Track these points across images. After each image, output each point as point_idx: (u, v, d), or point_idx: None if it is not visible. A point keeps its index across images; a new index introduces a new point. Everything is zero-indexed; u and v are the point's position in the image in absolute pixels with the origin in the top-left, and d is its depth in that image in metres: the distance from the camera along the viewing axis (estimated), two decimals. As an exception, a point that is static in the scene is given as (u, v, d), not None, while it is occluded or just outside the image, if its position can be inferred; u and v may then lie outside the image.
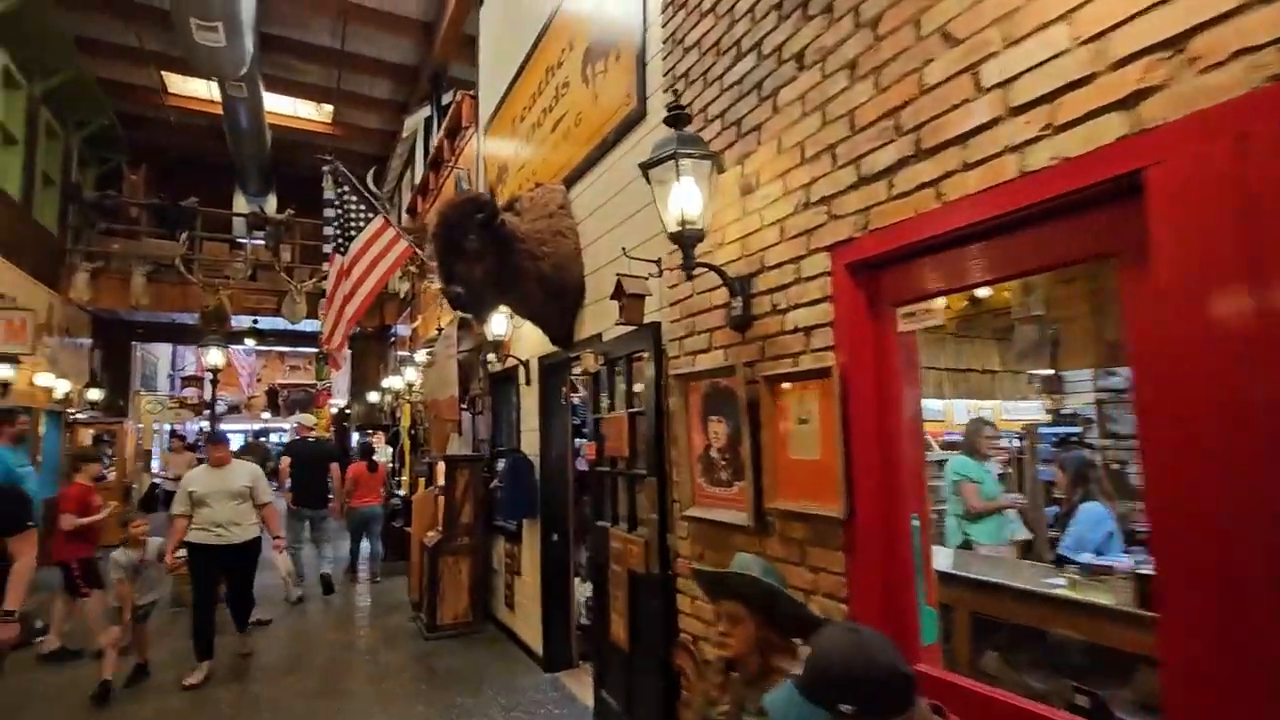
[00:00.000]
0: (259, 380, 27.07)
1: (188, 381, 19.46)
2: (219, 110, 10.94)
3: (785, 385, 2.23)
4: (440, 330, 6.66)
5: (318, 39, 9.97)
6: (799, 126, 2.20)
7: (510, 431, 6.00)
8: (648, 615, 3.05)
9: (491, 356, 5.82)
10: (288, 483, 6.85)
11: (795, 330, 2.20)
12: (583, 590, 4.86)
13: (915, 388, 2.01)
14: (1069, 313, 4.10)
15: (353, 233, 6.04)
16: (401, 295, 10.68)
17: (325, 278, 10.64)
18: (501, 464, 5.32)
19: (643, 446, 3.18)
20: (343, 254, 6.12)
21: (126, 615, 4.28)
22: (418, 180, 10.46)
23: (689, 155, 2.23)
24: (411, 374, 8.60)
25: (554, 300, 4.10)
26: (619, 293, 3.10)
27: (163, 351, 17.34)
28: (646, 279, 3.17)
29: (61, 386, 9.21)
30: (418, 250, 6.25)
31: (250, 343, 13.46)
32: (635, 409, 3.29)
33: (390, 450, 11.84)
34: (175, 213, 10.47)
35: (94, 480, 5.11)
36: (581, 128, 4.17)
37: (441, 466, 5.86)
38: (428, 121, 10.57)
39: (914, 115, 1.78)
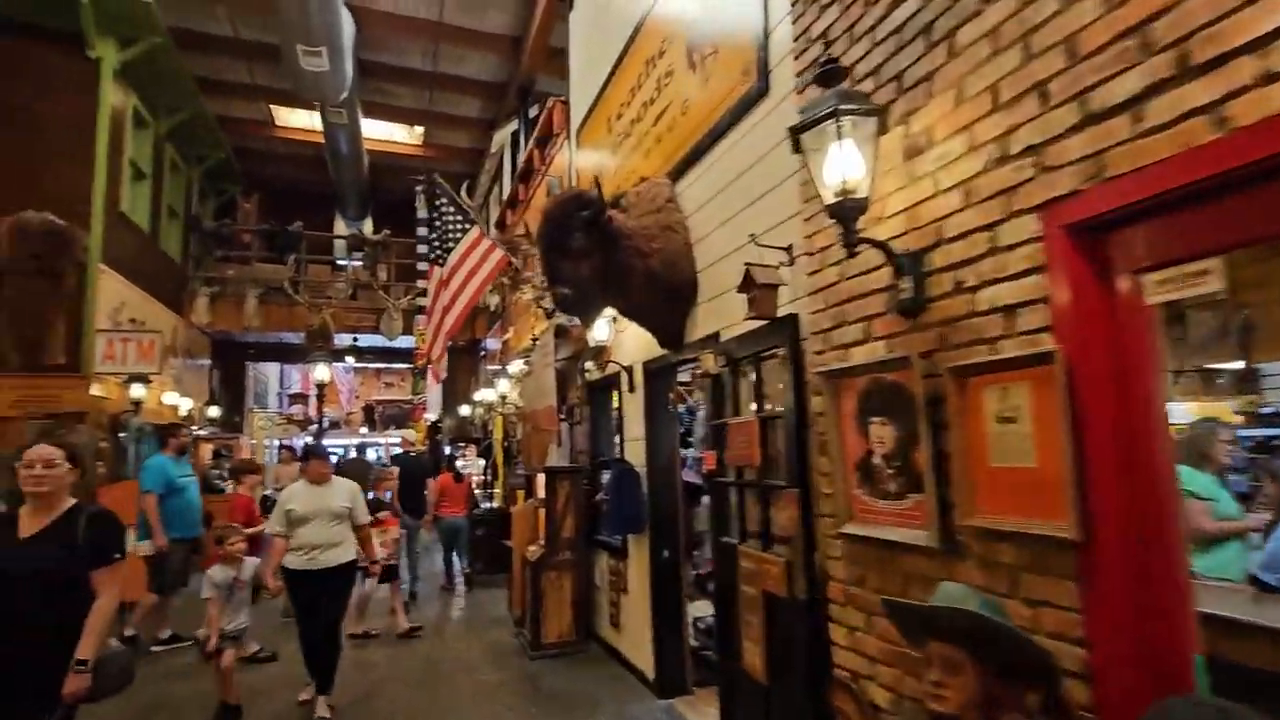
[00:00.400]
0: (357, 397, 28.42)
1: (294, 399, 20.60)
2: (321, 139, 11.48)
3: (980, 378, 1.85)
4: (535, 340, 6.57)
5: (410, 62, 10.28)
6: (988, 68, 1.84)
7: (608, 441, 5.79)
8: (790, 645, 2.70)
9: (590, 365, 5.64)
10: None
11: (991, 311, 1.83)
12: (693, 610, 4.56)
13: (1161, 374, 1.60)
14: (1270, 295, 3.47)
15: (450, 244, 6.05)
16: (492, 309, 10.78)
17: (420, 294, 10.91)
18: (605, 476, 5.10)
19: (778, 454, 2.85)
20: (441, 265, 6.13)
21: (214, 640, 3.90)
22: (506, 194, 10.57)
23: (850, 112, 1.91)
24: (504, 386, 8.60)
25: (664, 299, 3.85)
26: (748, 284, 2.80)
27: (272, 371, 18.40)
28: (778, 268, 2.86)
29: (185, 404, 9.78)
30: (512, 259, 6.19)
31: (350, 360, 14.03)
32: (767, 412, 2.97)
33: (482, 462, 11.96)
34: (283, 237, 11.03)
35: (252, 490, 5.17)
36: (689, 116, 3.92)
37: (541, 479, 5.71)
38: (515, 136, 10.68)
39: (1175, 26, 1.40)
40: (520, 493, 6.37)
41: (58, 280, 7.16)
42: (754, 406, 3.07)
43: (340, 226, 14.07)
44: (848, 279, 2.39)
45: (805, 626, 2.58)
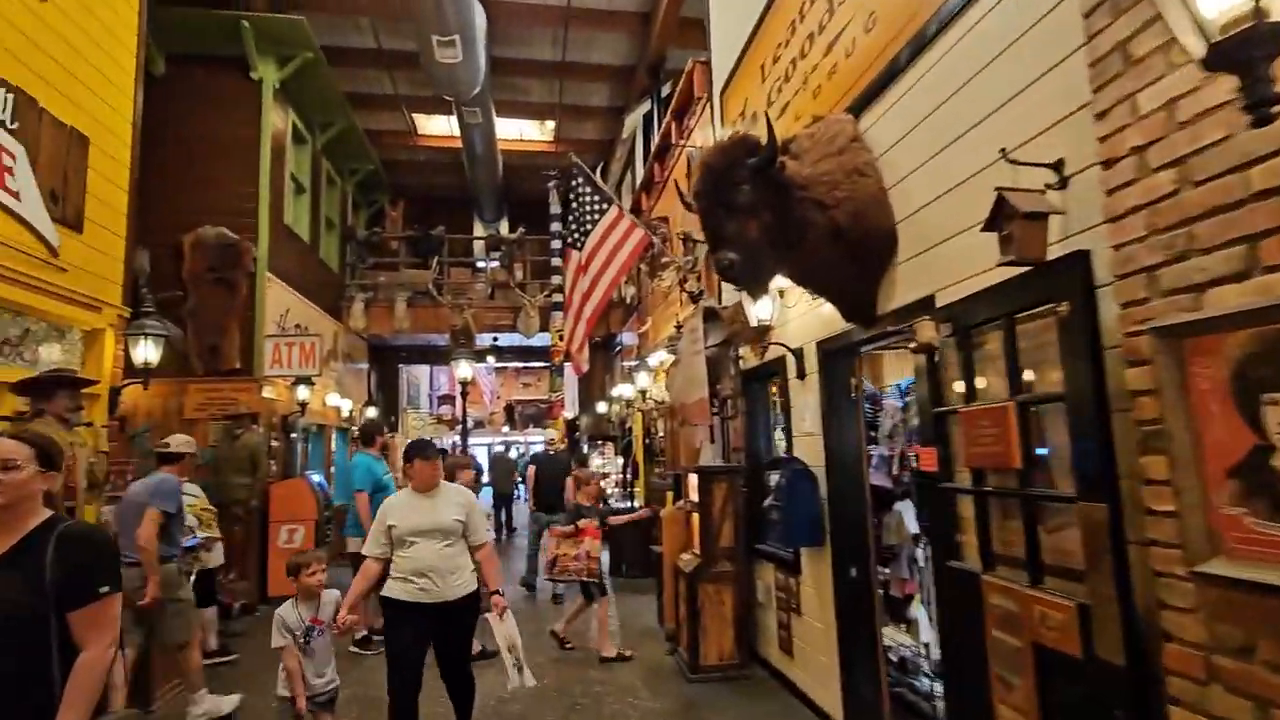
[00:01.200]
0: (499, 397, 29.67)
1: (443, 399, 21.73)
2: (458, 143, 11.74)
3: None
4: (679, 328, 6.02)
5: (539, 53, 10.15)
6: None
7: (766, 437, 5.10)
8: (1088, 724, 1.90)
9: (745, 350, 4.99)
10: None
11: None
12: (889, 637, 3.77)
13: None
14: None
15: (588, 226, 5.64)
16: (627, 301, 10.40)
17: (556, 290, 10.80)
18: (774, 477, 4.42)
19: (1056, 451, 2.04)
20: (579, 249, 5.74)
21: (301, 703, 3.03)
22: (639, 179, 10.15)
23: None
24: (643, 380, 8.15)
25: (851, 259, 3.11)
26: (1001, 217, 2.02)
27: (422, 373, 19.44)
28: (1043, 192, 2.05)
29: (345, 405, 10.27)
30: (653, 239, 5.67)
31: (491, 360, 14.34)
32: (1032, 394, 2.16)
33: (620, 461, 11.66)
34: (426, 241, 11.35)
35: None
36: (876, 33, 3.16)
37: (693, 480, 5.14)
38: (646, 118, 10.25)
39: None
40: (669, 494, 5.85)
41: (233, 290, 7.63)
42: (1006, 388, 2.26)
43: (478, 229, 14.43)
44: (1202, 183, 1.55)
45: (1122, 705, 1.77)
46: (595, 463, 12.05)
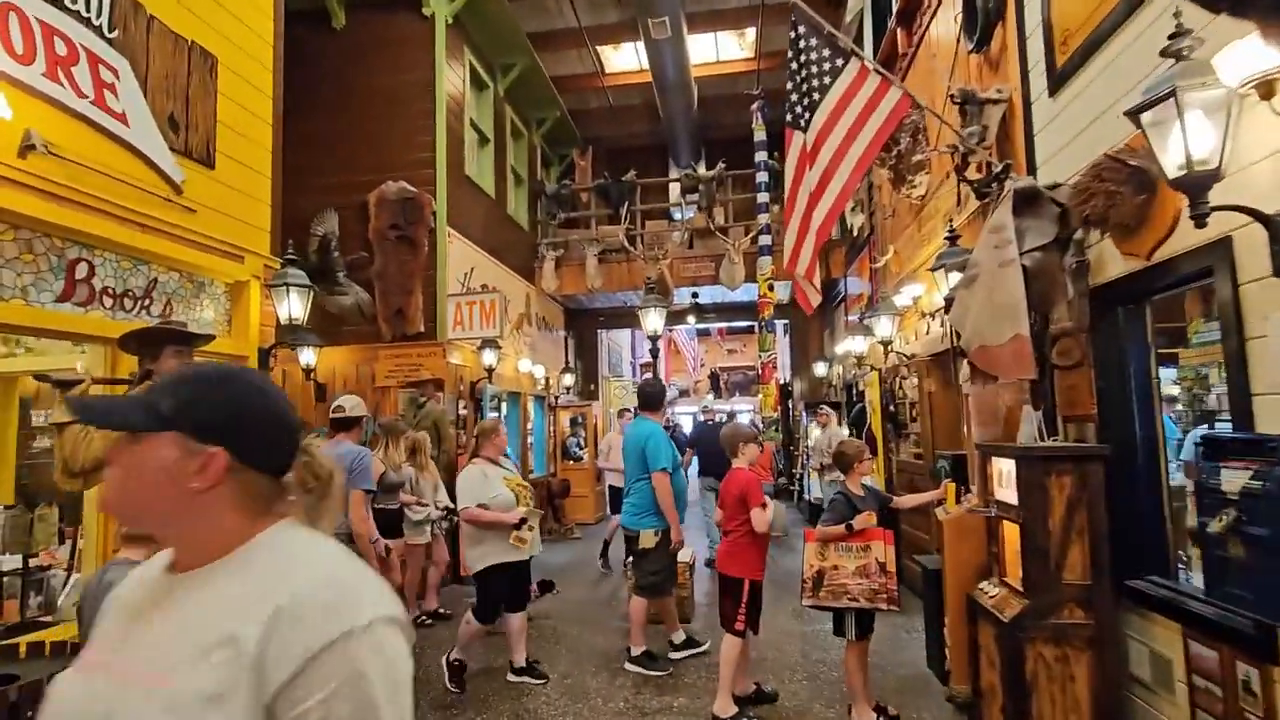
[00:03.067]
0: (703, 364, 28.68)
1: (645, 367, 21.12)
2: (648, 78, 10.45)
3: None
4: (953, 235, 4.00)
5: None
6: None
7: (1140, 401, 3.00)
8: None
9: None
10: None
11: None
12: None
13: None
14: None
15: (815, 97, 3.85)
16: (854, 233, 8.31)
17: (762, 232, 9.05)
18: (1228, 477, 2.35)
19: None
20: (803, 129, 3.98)
21: None
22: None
23: None
24: (885, 328, 6.16)
25: None
26: None
27: (623, 340, 18.88)
28: None
29: (539, 372, 9.61)
30: (916, 102, 3.72)
31: (691, 320, 13.06)
32: None
33: (847, 432, 9.70)
34: (616, 189, 10.26)
35: (750, 465, 3.72)
36: None
37: (1002, 467, 3.21)
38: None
39: None
40: (950, 485, 3.93)
41: (415, 248, 7.10)
42: None
43: (674, 193, 13.09)
44: None
45: None
46: (814, 434, 10.21)
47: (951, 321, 3.67)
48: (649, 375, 17.47)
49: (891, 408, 6.40)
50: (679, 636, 4.54)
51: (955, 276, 3.70)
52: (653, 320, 5.57)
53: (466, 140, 7.89)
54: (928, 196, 5.26)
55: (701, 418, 11.61)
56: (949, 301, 3.71)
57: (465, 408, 7.33)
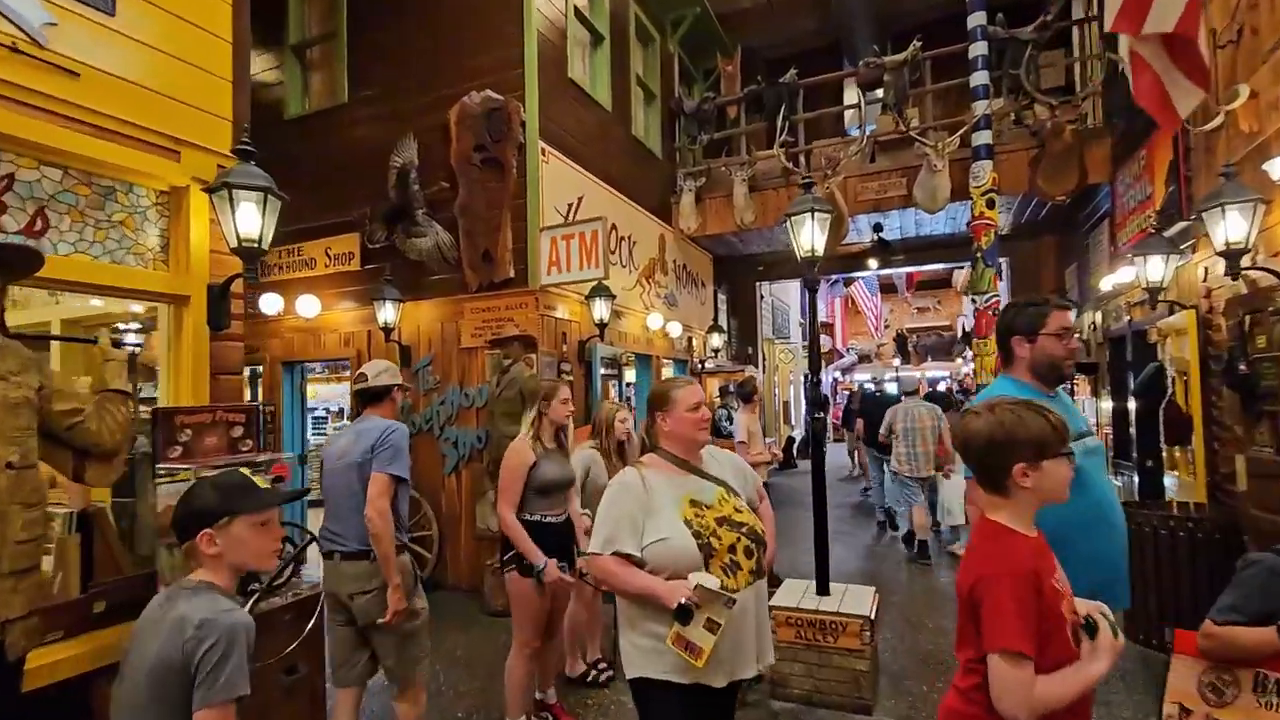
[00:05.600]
0: (887, 325, 25.09)
1: (822, 328, 18.47)
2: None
3: None
4: None
5: None
6: None
7: None
8: None
9: None
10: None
11: None
12: None
13: None
14: None
15: None
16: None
17: (977, 127, 6.43)
18: None
19: None
20: None
21: None
22: None
23: None
24: (1236, 225, 3.47)
25: None
26: None
27: (792, 297, 16.45)
28: None
29: (675, 329, 7.81)
30: None
31: (873, 265, 10.42)
32: None
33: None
34: (772, 95, 8.01)
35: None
36: None
37: None
38: None
39: None
40: None
41: (505, 173, 5.60)
42: None
43: (850, 96, 10.40)
44: None
45: None
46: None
47: None
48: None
49: (1242, 367, 3.68)
50: None
51: None
52: (808, 233, 3.44)
53: (570, 35, 6.19)
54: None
55: (871, 387, 11.40)
56: None
57: (568, 373, 5.77)
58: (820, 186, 6.96)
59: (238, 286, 2.98)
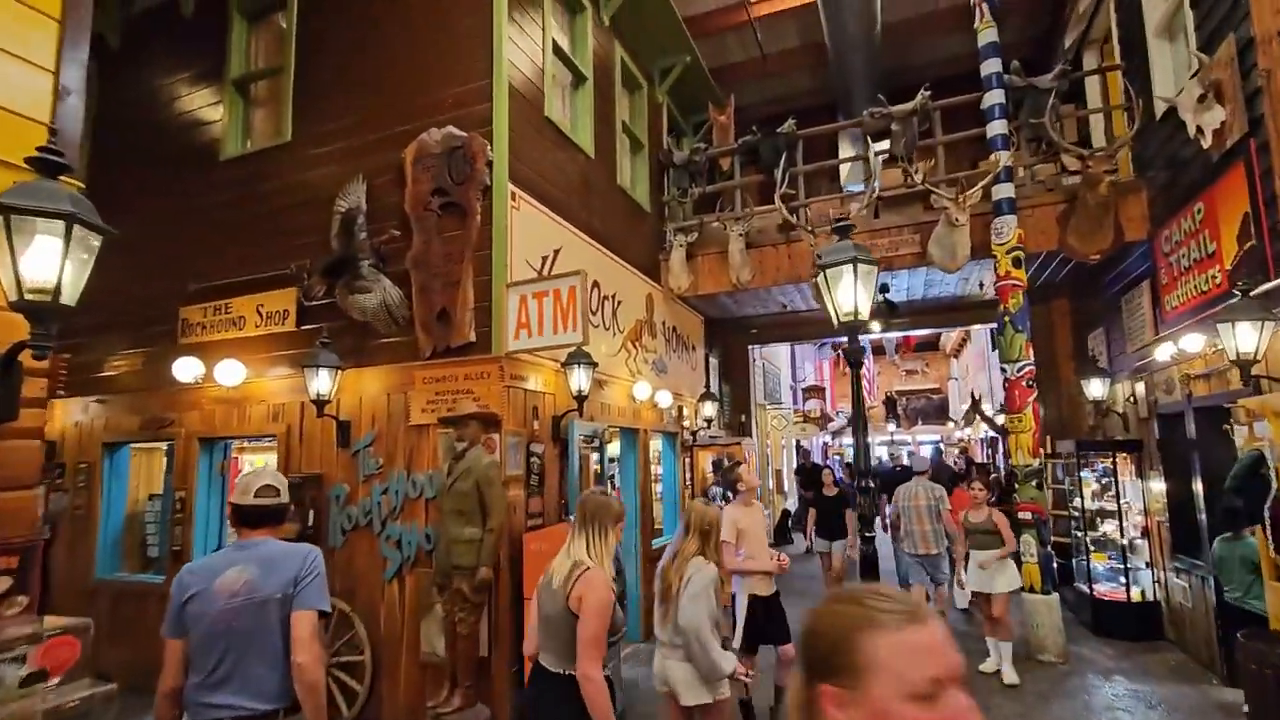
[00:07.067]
0: (876, 389, 24.43)
1: (809, 392, 17.68)
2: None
3: None
4: None
5: None
6: None
7: None
8: None
9: None
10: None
11: None
12: None
13: None
14: None
15: None
16: (1203, 142, 4.64)
17: (998, 180, 5.79)
18: None
19: None
20: None
21: None
22: None
23: None
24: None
25: None
26: None
27: (782, 360, 15.71)
28: None
29: (664, 399, 6.90)
30: None
31: (875, 327, 9.68)
32: None
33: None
34: (769, 147, 7.40)
35: None
36: None
37: None
38: None
39: None
40: None
41: (466, 220, 4.77)
42: None
43: (846, 148, 9.91)
44: None
45: None
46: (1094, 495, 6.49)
47: None
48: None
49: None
50: None
51: None
52: (848, 290, 2.57)
53: (547, 72, 5.50)
54: None
55: (888, 461, 10.24)
56: None
57: (539, 454, 4.80)
58: (825, 244, 6.23)
59: (31, 359, 2.02)
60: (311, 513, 4.90)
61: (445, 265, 4.78)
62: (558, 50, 5.81)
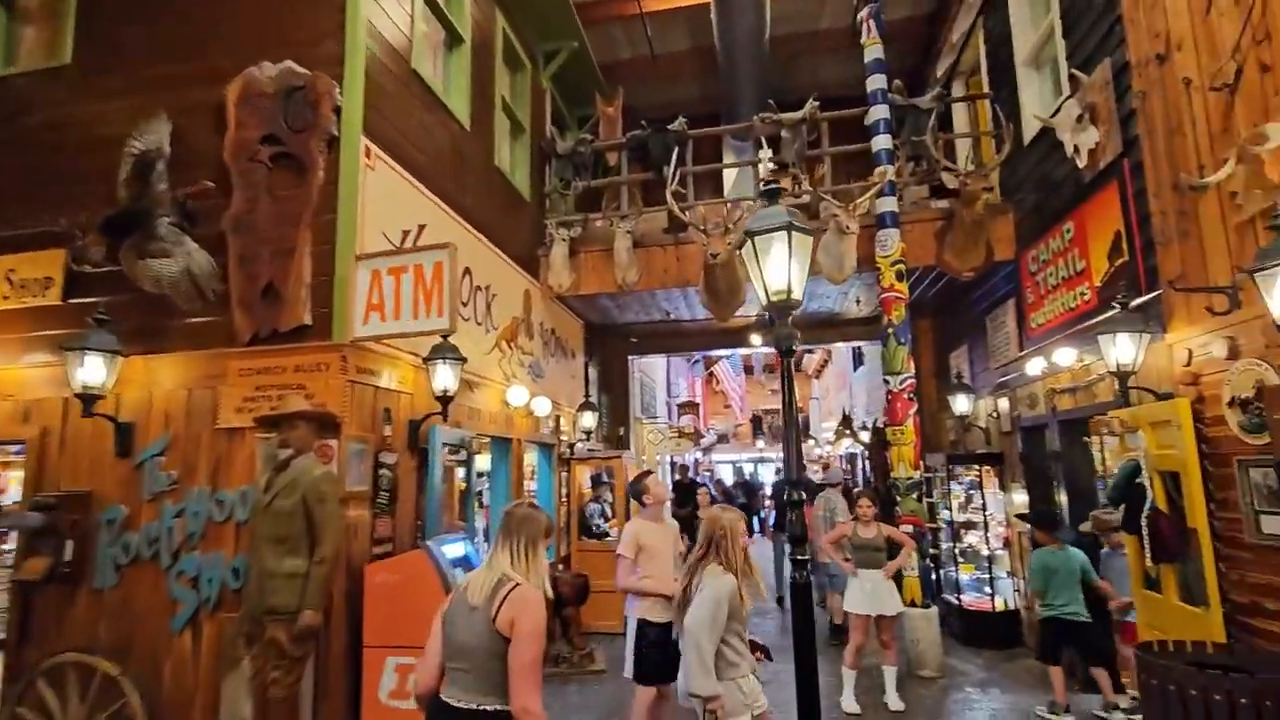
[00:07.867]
0: (746, 406, 25.07)
1: (684, 408, 17.64)
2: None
3: None
4: None
5: None
6: None
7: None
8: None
9: None
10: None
11: None
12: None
13: None
14: None
15: None
16: (1081, 159, 4.80)
17: (883, 193, 5.76)
18: None
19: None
20: None
21: None
22: None
23: None
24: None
25: None
26: None
27: (659, 375, 15.49)
28: None
29: (542, 407, 6.23)
30: None
31: (756, 340, 9.62)
32: None
33: (1018, 500, 6.22)
34: (659, 144, 7.04)
35: None
36: None
37: None
38: None
39: None
40: None
41: (304, 176, 3.87)
42: None
43: (729, 157, 9.83)
44: None
45: None
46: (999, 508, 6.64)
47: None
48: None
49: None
50: None
51: None
52: (779, 264, 2.13)
53: (417, 18, 4.74)
54: None
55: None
56: None
57: (388, 468, 3.95)
58: (719, 242, 5.92)
59: None
60: (70, 543, 3.71)
61: (275, 230, 3.85)
62: (431, 1, 5.05)
